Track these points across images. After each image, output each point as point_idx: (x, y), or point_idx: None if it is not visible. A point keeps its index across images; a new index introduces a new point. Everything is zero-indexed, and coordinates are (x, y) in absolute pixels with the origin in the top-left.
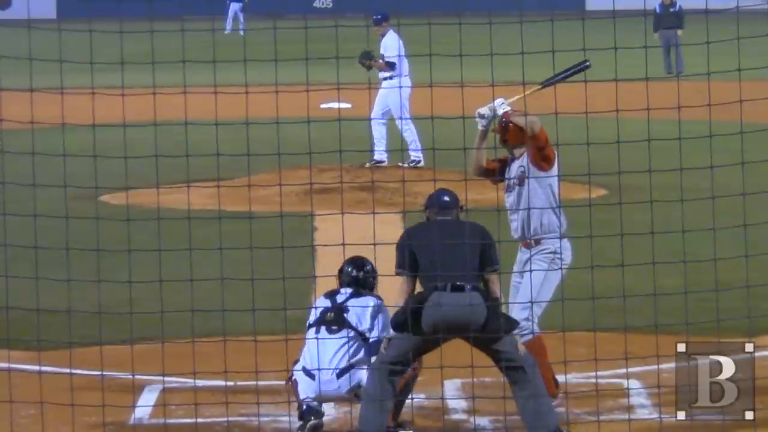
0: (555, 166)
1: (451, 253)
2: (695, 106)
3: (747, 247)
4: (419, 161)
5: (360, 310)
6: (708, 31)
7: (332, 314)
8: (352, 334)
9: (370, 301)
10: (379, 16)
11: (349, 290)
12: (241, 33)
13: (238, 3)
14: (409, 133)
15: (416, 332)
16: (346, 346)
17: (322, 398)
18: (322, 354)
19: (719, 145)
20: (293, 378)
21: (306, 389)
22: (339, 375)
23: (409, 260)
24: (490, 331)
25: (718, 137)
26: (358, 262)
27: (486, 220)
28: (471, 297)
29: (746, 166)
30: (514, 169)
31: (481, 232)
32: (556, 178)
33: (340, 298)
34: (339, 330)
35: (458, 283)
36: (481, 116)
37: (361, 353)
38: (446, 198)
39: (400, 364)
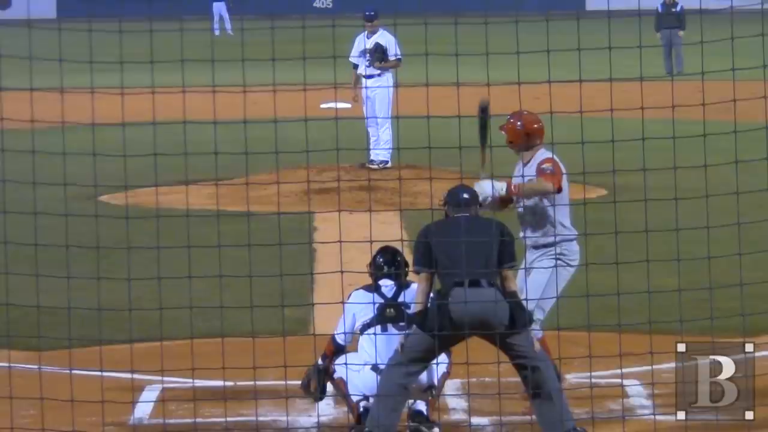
0: (565, 185)
1: (469, 249)
2: (689, 105)
3: (741, 246)
4: (388, 162)
5: None
6: (703, 30)
7: (392, 310)
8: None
9: None
10: (373, 12)
11: (390, 283)
12: (229, 33)
13: (220, 2)
14: (388, 132)
15: (440, 329)
16: None
17: None
18: (392, 351)
19: (714, 144)
20: (337, 376)
21: (372, 387)
22: None
23: (426, 258)
24: (511, 327)
25: (712, 136)
26: (392, 254)
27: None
28: (491, 293)
29: (740, 165)
30: (519, 171)
31: (500, 228)
32: (566, 188)
33: (388, 292)
34: (408, 326)
35: (475, 279)
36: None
37: None
38: (465, 195)
39: (420, 360)
